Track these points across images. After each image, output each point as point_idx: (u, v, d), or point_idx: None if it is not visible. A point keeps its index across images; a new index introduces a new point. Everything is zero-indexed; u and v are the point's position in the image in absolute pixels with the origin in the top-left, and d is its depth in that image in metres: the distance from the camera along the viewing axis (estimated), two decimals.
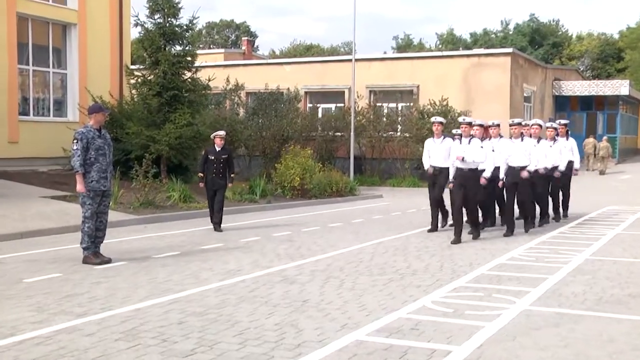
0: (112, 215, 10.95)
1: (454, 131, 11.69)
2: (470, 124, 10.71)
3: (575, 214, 14.51)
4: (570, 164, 13.43)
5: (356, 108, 25.21)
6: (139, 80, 18.24)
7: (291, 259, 8.99)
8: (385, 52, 51.79)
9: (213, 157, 12.08)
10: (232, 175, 12.33)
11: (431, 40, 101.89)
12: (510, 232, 11.31)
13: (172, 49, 18.20)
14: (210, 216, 12.28)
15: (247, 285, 7.32)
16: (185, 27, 18.25)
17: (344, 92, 28.88)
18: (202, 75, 18.90)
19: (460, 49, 52.33)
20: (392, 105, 26.92)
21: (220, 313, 6.04)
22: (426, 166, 11.68)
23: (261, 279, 7.67)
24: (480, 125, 10.97)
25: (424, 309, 6.26)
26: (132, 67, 20.07)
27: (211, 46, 64.70)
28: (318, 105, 28.39)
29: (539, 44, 61.53)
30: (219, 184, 12.08)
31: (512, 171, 11.47)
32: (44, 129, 18.50)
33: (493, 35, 63.62)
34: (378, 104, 27.11)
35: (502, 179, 11.40)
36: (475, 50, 31.00)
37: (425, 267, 8.38)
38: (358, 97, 26.13)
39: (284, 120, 24.44)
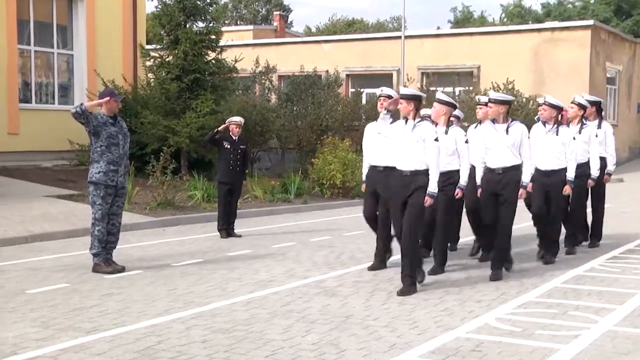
0: (126, 217, 11.10)
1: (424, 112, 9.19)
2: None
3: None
4: (602, 163, 10.49)
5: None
6: (156, 62, 18.48)
7: (331, 268, 9.02)
8: (439, 28, 51.41)
9: (229, 147, 12.02)
10: (246, 171, 12.42)
11: (495, 12, 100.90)
12: (585, 242, 10.84)
13: (194, 26, 18.41)
14: (219, 220, 12.00)
15: (280, 298, 7.36)
16: (208, 0, 18.43)
17: (391, 74, 28.80)
18: (228, 56, 19.05)
19: (530, 22, 51.75)
20: (449, 89, 26.77)
21: (249, 330, 6.09)
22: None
23: (297, 290, 7.71)
24: (504, 103, 8.57)
25: (486, 327, 6.23)
26: (148, 47, 20.34)
27: (238, 22, 65.13)
28: (362, 90, 28.34)
29: (626, 14, 60.27)
30: (237, 180, 12.06)
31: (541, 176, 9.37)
32: (47, 119, 18.82)
33: (570, 5, 62.62)
34: (432, 88, 26.96)
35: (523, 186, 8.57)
36: (548, 24, 30.55)
37: (487, 279, 8.33)
38: (408, 80, 26.02)
39: (322, 108, 24.44)
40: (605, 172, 10.63)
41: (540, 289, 7.87)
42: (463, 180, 8.68)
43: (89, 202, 8.97)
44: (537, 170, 9.12)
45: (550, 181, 9.28)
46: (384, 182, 8.43)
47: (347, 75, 29.84)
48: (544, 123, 9.41)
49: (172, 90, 17.81)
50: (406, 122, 7.61)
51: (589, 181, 10.21)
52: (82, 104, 8.65)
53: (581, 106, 10.33)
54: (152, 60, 18.69)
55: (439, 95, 8.86)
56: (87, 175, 8.88)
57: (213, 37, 18.44)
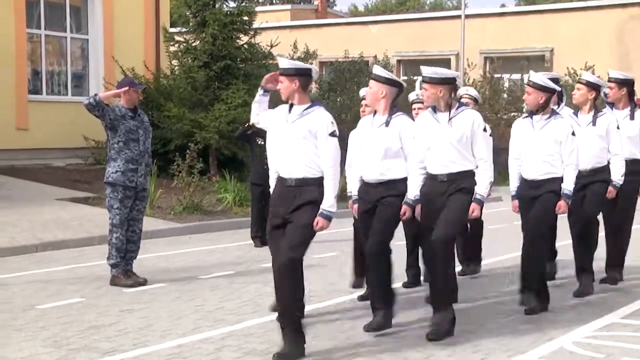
0: (148, 223, 11.17)
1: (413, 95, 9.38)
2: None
3: None
4: (635, 165, 8.78)
5: (466, 81, 24.93)
6: (181, 47, 18.61)
7: None
8: (503, 5, 50.91)
9: (264, 143, 11.99)
10: None
11: None
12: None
13: (224, 6, 18.50)
14: (252, 226, 12.00)
15: (321, 315, 7.36)
16: None
17: (449, 59, 28.61)
18: (263, 40, 19.11)
19: None
20: (516, 76, 26.51)
21: None
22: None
23: (340, 307, 7.71)
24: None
25: (561, 352, 6.15)
26: (172, 30, 20.49)
27: (274, 1, 65.40)
28: (415, 77, 28.21)
29: None
30: None
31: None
32: (59, 112, 18.99)
33: None
34: (496, 75, 26.75)
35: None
36: None
37: (562, 295, 8.22)
38: (469, 66, 25.84)
39: None
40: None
41: (627, 307, 7.74)
42: (411, 193, 6.88)
43: (106, 206, 9.05)
44: (522, 181, 7.69)
45: (539, 193, 7.55)
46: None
47: (398, 61, 29.74)
48: (531, 114, 7.66)
49: (199, 80, 17.92)
50: (290, 109, 6.25)
51: (610, 189, 8.44)
52: (96, 95, 8.74)
53: (591, 86, 8.46)
54: (176, 45, 18.81)
55: (377, 69, 7.10)
56: (103, 175, 8.97)
57: (245, 18, 18.51)
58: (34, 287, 8.68)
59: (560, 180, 7.45)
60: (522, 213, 7.72)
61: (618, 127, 8.43)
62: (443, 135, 6.76)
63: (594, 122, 8.34)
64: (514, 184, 7.80)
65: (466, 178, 6.78)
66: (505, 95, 25.77)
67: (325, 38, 29.63)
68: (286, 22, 32.92)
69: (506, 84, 26.44)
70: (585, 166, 8.07)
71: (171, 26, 21.60)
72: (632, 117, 8.91)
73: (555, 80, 8.42)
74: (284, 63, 6.35)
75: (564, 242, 8.93)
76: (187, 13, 19.15)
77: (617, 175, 8.44)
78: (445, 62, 28.86)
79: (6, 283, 8.93)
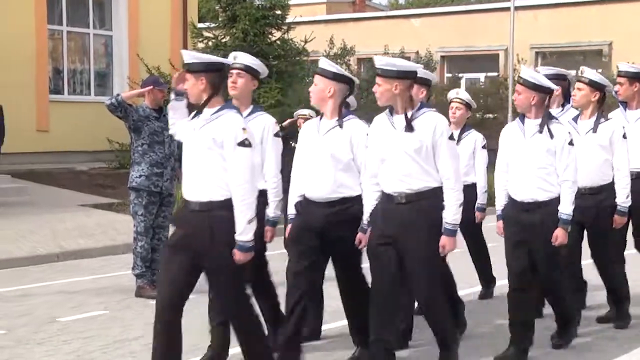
0: None
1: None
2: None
3: None
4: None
5: (516, 78, 24.75)
6: (210, 43, 18.71)
7: None
8: None
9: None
10: None
11: None
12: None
13: (255, 0, 18.55)
14: (285, 235, 11.96)
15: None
16: None
17: (498, 55, 28.46)
18: (297, 35, 19.15)
19: None
20: (571, 72, 26.32)
21: None
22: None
23: None
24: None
25: None
26: (200, 25, 20.61)
27: None
28: (461, 75, 28.13)
29: None
30: None
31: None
32: (82, 113, 19.13)
33: None
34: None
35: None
36: None
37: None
38: (519, 62, 25.67)
39: None
40: None
41: None
42: (367, 216, 6.02)
43: (130, 212, 9.13)
44: (511, 201, 6.69)
45: (530, 220, 6.52)
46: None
47: (442, 57, 29.62)
48: (522, 117, 6.64)
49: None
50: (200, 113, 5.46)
51: (615, 218, 7.36)
52: (118, 95, 8.80)
53: (594, 85, 7.39)
54: (205, 41, 18.93)
55: (323, 62, 6.27)
56: (127, 180, 9.05)
57: (278, 12, 18.58)
58: (56, 299, 8.77)
59: (556, 202, 6.42)
60: (507, 239, 6.69)
61: (625, 137, 7.31)
62: (399, 143, 5.80)
63: (594, 129, 7.27)
64: (500, 201, 6.79)
65: (428, 198, 5.79)
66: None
67: (363, 33, 29.61)
68: (322, 16, 32.94)
69: None
70: (585, 183, 7.03)
71: (199, 21, 21.74)
72: None
73: (562, 77, 7.99)
74: (187, 56, 5.47)
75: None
76: (217, 7, 19.27)
77: (622, 196, 7.27)
78: (493, 58, 28.76)
79: (27, 294, 9.03)
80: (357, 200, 6.04)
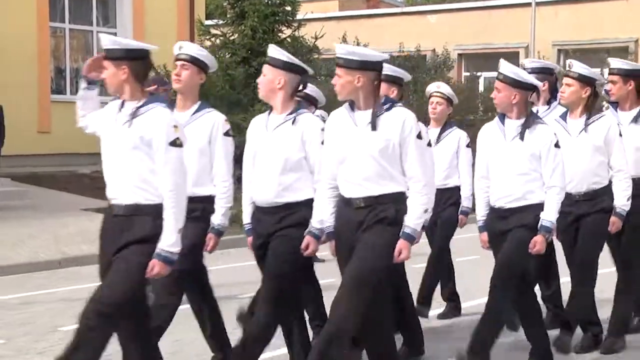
0: None
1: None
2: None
3: None
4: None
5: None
6: (217, 41, 18.74)
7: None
8: None
9: None
10: None
11: None
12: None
13: None
14: None
15: None
16: None
17: (518, 53, 28.39)
18: (308, 32, 19.15)
19: None
20: (596, 70, 26.25)
21: None
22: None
23: None
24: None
25: None
26: (208, 22, 20.65)
27: None
28: (479, 73, 28.08)
29: None
30: None
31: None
32: None
33: None
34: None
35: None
36: None
37: None
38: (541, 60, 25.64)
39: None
40: None
41: None
42: (316, 218, 5.80)
43: None
44: (491, 209, 6.39)
45: (508, 227, 6.22)
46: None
47: (460, 55, 29.59)
48: (502, 117, 6.29)
49: (237, 77, 18.01)
50: (122, 106, 5.16)
51: (613, 219, 6.87)
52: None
53: (584, 80, 6.91)
54: (212, 39, 18.95)
55: (272, 50, 5.93)
56: None
57: (288, 8, 18.59)
58: (58, 307, 8.81)
59: (537, 208, 6.05)
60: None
61: (620, 134, 6.88)
62: (361, 142, 5.41)
63: (586, 128, 6.79)
64: (481, 211, 6.47)
65: (391, 204, 5.42)
66: None
67: (377, 30, 29.62)
68: (334, 12, 32.97)
69: None
70: (578, 188, 6.75)
71: (207, 18, 21.79)
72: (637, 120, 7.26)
73: (549, 71, 7.66)
74: (106, 41, 5.07)
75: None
76: (225, 3, 19.30)
77: (622, 198, 6.81)
78: (512, 56, 28.62)
79: (28, 302, 9.07)
80: (306, 205, 5.72)
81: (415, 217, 5.38)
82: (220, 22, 19.88)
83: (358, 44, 26.10)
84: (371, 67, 5.42)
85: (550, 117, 7.05)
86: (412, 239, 5.42)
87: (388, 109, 5.43)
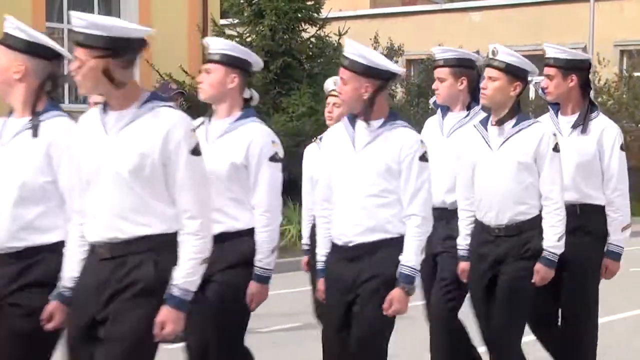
0: None
1: None
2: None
3: None
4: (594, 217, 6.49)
5: (596, 82, 24.60)
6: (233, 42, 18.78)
7: None
8: None
9: None
10: None
11: None
12: None
13: None
14: None
15: None
16: None
17: None
18: (333, 31, 19.15)
19: None
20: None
21: None
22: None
23: None
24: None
25: None
26: (223, 22, 20.72)
27: None
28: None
29: None
30: None
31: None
32: None
33: None
34: (636, 74, 26.36)
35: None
36: None
37: None
38: (600, 62, 25.53)
39: None
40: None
41: None
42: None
43: None
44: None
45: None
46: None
47: None
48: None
49: (255, 83, 18.00)
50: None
51: (537, 269, 5.83)
52: None
53: (511, 72, 6.13)
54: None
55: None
56: None
57: (311, 2, 18.56)
58: None
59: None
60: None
61: (556, 149, 5.88)
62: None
63: (509, 139, 5.93)
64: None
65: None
66: None
67: (413, 29, 29.66)
68: (365, 9, 33.07)
69: None
70: (499, 220, 5.89)
71: (221, 17, 21.84)
72: (584, 129, 6.31)
73: (468, 63, 6.79)
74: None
75: None
76: (241, 1, 19.32)
77: (552, 238, 5.79)
78: None
79: None
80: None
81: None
82: (237, 21, 19.92)
83: (392, 46, 26.15)
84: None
85: (470, 125, 6.24)
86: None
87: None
